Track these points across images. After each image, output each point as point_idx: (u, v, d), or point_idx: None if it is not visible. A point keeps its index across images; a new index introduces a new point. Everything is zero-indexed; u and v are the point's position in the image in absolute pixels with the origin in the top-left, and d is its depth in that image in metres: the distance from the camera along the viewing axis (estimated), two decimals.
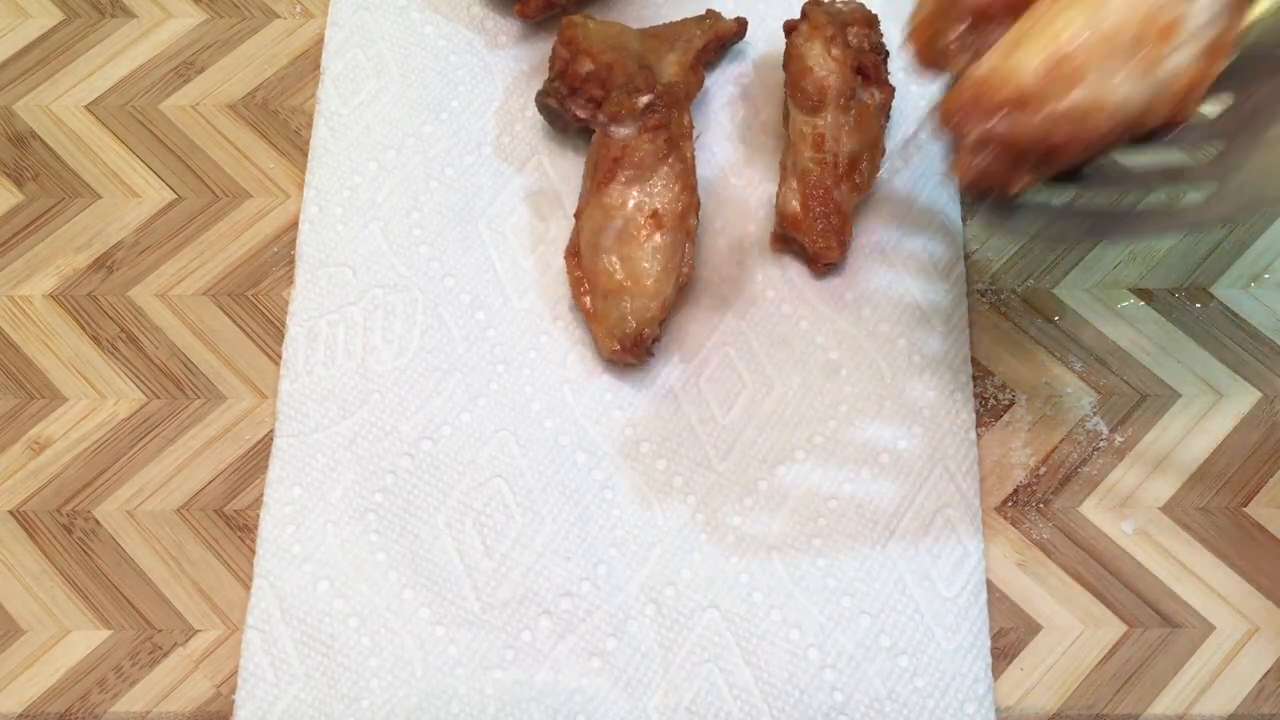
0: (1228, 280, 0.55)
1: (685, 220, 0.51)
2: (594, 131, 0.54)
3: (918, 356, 0.53)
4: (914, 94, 0.57)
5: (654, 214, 0.51)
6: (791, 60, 0.54)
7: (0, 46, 0.60)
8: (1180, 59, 0.37)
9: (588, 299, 0.52)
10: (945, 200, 0.56)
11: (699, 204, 0.52)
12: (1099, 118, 0.38)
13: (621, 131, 0.51)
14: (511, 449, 0.51)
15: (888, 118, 0.55)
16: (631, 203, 0.51)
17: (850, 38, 0.54)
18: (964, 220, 0.55)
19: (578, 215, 0.53)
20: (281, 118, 0.58)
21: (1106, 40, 0.37)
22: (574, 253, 0.52)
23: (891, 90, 0.55)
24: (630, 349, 0.50)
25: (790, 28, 0.56)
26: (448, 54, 0.59)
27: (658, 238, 0.51)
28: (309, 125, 0.58)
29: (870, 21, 0.55)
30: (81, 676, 0.48)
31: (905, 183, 0.55)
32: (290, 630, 0.48)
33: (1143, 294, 0.55)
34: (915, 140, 0.57)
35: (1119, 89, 0.37)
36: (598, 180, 0.51)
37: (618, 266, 0.51)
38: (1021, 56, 0.38)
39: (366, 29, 0.59)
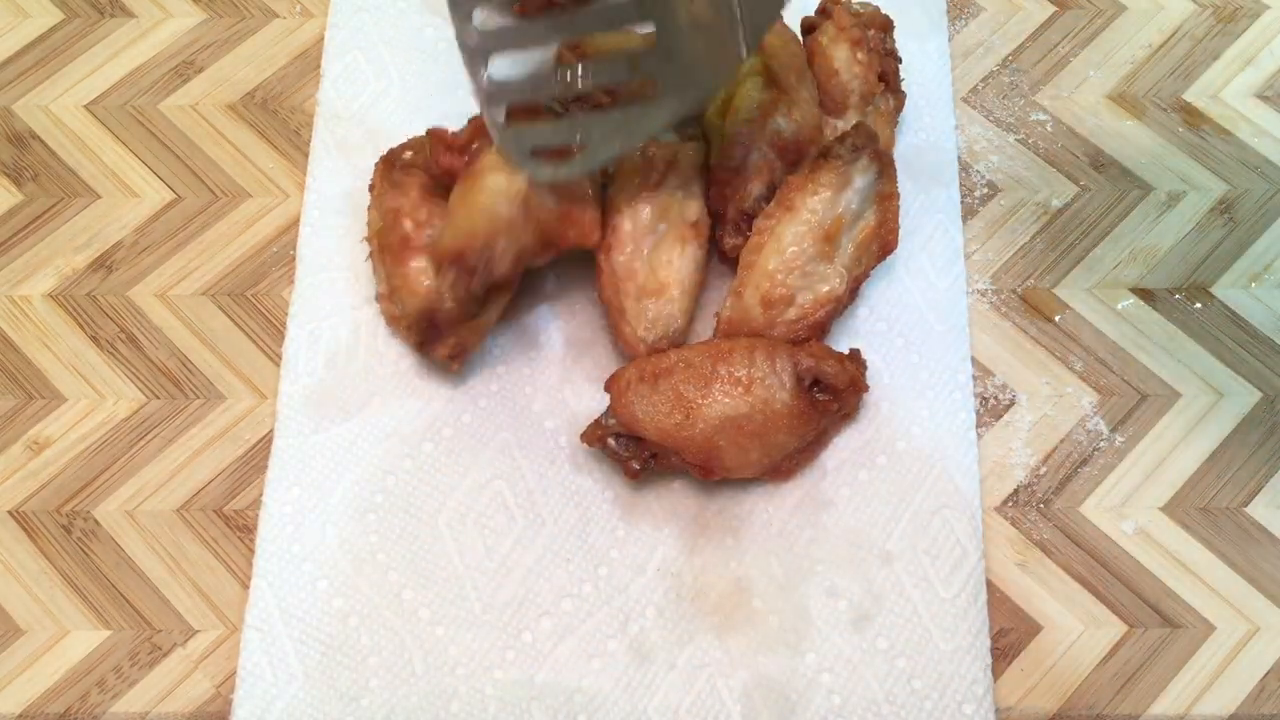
0: (1228, 280, 0.55)
1: (705, 230, 0.52)
2: None
3: (916, 356, 0.53)
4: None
5: (695, 223, 0.51)
6: (814, 60, 0.54)
7: (0, 46, 0.60)
8: (853, 235, 0.50)
9: (622, 296, 0.50)
10: (944, 199, 0.56)
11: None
12: (823, 305, 0.50)
13: (669, 135, 0.51)
14: (512, 450, 0.51)
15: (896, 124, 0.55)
16: (675, 209, 0.51)
17: (870, 41, 0.53)
18: (963, 219, 0.56)
19: (617, 213, 0.51)
20: (281, 117, 0.58)
21: (795, 260, 0.49)
22: (609, 249, 0.51)
23: (903, 97, 0.55)
24: (661, 350, 0.50)
25: (810, 26, 0.55)
26: (447, 56, 0.59)
27: (694, 246, 0.51)
28: (308, 125, 0.58)
29: (887, 26, 0.55)
30: (81, 676, 0.48)
31: (904, 182, 0.55)
32: (289, 629, 0.48)
33: (1143, 294, 0.55)
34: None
35: (824, 282, 0.50)
36: (653, 181, 0.51)
37: (658, 269, 0.50)
38: (746, 303, 0.50)
39: (366, 31, 0.59)
